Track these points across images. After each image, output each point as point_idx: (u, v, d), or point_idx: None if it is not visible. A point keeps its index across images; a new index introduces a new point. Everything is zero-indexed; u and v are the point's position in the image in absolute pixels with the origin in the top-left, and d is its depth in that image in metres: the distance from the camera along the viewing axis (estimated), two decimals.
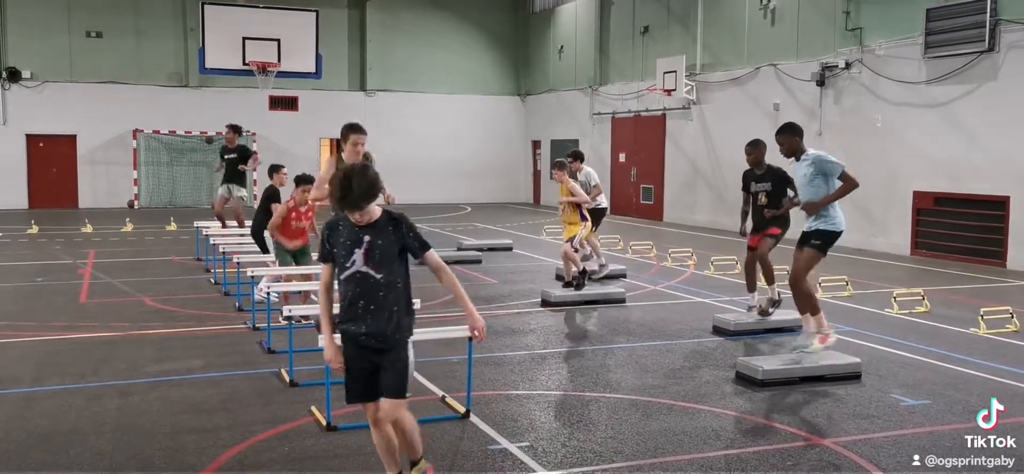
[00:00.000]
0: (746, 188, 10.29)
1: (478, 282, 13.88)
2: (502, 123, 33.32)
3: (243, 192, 16.30)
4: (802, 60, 20.63)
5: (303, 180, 10.15)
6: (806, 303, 8.20)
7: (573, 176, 13.11)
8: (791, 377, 7.90)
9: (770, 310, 10.14)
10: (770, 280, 10.17)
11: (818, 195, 8.08)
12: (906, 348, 9.33)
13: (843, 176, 7.99)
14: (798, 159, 8.31)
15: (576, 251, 12.24)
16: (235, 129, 16.33)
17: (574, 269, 12.13)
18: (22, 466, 5.84)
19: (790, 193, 9.75)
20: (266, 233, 11.48)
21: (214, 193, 29.23)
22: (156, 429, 6.56)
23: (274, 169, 12.33)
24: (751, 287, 10.43)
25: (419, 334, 8.03)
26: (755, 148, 10.15)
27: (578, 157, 14.13)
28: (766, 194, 10.03)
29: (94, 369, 8.33)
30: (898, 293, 11.87)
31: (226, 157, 15.99)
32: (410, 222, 4.96)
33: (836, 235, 8.17)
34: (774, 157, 9.49)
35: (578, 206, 12.19)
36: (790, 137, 8.38)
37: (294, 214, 10.23)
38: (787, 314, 10.25)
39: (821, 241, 8.15)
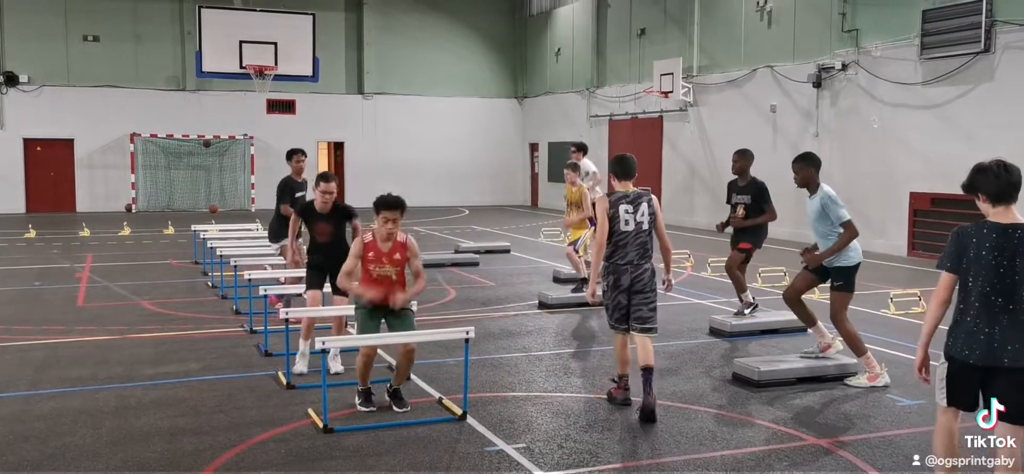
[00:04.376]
0: (728, 200, 10.30)
1: (475, 284, 13.89)
2: (499, 126, 33.35)
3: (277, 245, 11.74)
4: (798, 62, 20.65)
5: (387, 205, 6.79)
6: (852, 343, 7.91)
7: (574, 168, 12.86)
8: (788, 378, 7.91)
9: (745, 311, 10.20)
10: (741, 289, 10.24)
11: (824, 232, 7.91)
12: (903, 349, 9.34)
13: (846, 225, 7.72)
14: (811, 194, 8.05)
15: (578, 255, 12.22)
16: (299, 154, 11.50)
17: (577, 273, 12.08)
18: (20, 468, 5.84)
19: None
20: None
21: (212, 197, 29.36)
22: (153, 432, 6.56)
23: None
24: (740, 288, 10.45)
25: (418, 336, 8.08)
26: (742, 157, 10.15)
27: (582, 148, 14.03)
28: (744, 206, 10.02)
29: (92, 372, 8.32)
30: (895, 294, 11.89)
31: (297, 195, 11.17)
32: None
33: (855, 268, 7.91)
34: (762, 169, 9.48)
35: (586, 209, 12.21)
36: (805, 168, 7.91)
37: (374, 256, 6.86)
38: (784, 314, 10.26)
39: (843, 281, 7.91)
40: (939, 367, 4.75)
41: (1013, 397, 4.52)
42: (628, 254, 6.97)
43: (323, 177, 8.30)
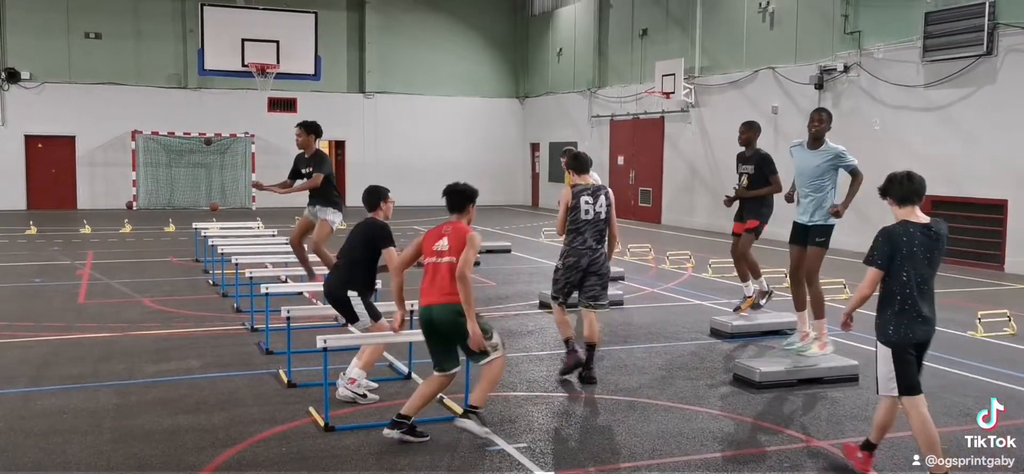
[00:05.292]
0: (737, 168, 10.35)
1: (476, 284, 13.86)
2: (501, 125, 33.34)
3: (336, 217, 10.71)
4: (800, 63, 20.65)
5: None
6: (817, 305, 8.24)
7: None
8: (789, 379, 7.91)
9: (761, 302, 10.18)
10: (756, 274, 10.23)
11: (824, 188, 8.11)
12: None
13: (856, 171, 8.13)
14: (817, 146, 8.21)
15: None
16: (310, 128, 10.75)
17: None
18: (20, 466, 5.85)
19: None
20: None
21: (213, 195, 29.37)
22: (154, 429, 6.56)
23: (379, 196, 7.48)
24: (743, 277, 10.42)
25: (418, 336, 8.07)
26: (748, 128, 10.23)
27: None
28: (748, 176, 10.06)
29: (92, 369, 8.33)
30: None
31: (304, 172, 10.73)
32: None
33: (833, 226, 8.28)
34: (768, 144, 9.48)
35: None
36: (828, 120, 8.25)
37: None
38: (783, 316, 10.26)
39: (825, 237, 8.22)
40: (882, 361, 5.51)
41: (920, 365, 5.56)
42: (587, 240, 7.95)
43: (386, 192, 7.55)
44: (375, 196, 7.42)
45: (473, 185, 6.57)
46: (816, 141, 8.23)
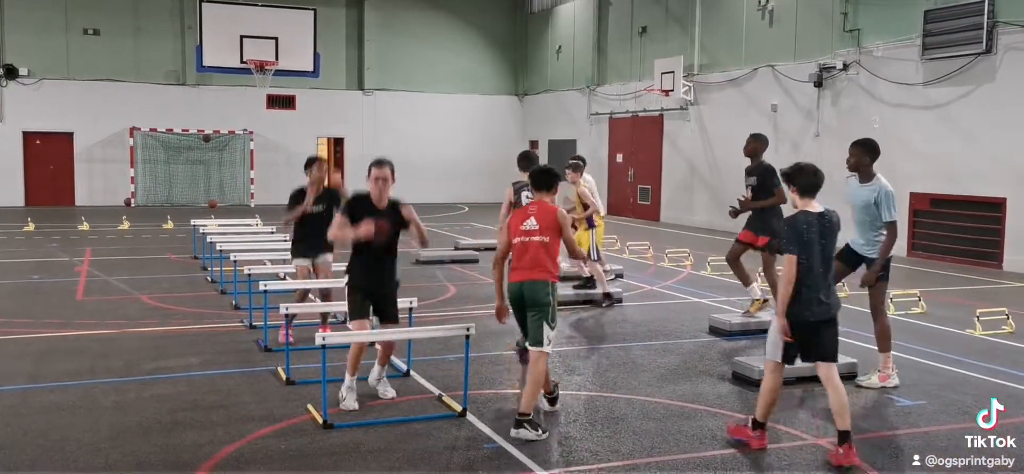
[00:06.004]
0: (745, 181, 10.31)
1: (475, 282, 13.88)
2: (500, 123, 33.31)
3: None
4: (800, 61, 20.63)
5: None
6: (884, 339, 7.85)
7: (574, 168, 12.93)
8: (788, 377, 7.87)
9: (752, 310, 10.16)
10: (747, 284, 10.22)
11: (869, 222, 7.79)
12: (902, 349, 9.32)
13: (891, 225, 7.62)
14: (862, 180, 7.92)
15: (596, 261, 11.90)
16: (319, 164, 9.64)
17: (601, 287, 11.78)
18: (18, 464, 5.83)
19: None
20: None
21: (211, 192, 29.35)
22: (152, 427, 6.55)
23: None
24: (745, 281, 10.38)
25: (417, 333, 8.08)
26: (754, 140, 10.18)
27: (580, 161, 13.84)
28: (752, 188, 10.03)
29: (90, 367, 8.31)
30: (895, 294, 11.87)
31: (313, 210, 9.31)
32: None
33: (891, 259, 7.85)
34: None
35: (586, 211, 12.24)
36: (861, 153, 7.81)
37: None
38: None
39: (885, 270, 7.86)
40: (774, 331, 5.98)
41: (831, 341, 5.93)
42: None
43: (376, 163, 7.02)
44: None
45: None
46: (864, 176, 7.93)
